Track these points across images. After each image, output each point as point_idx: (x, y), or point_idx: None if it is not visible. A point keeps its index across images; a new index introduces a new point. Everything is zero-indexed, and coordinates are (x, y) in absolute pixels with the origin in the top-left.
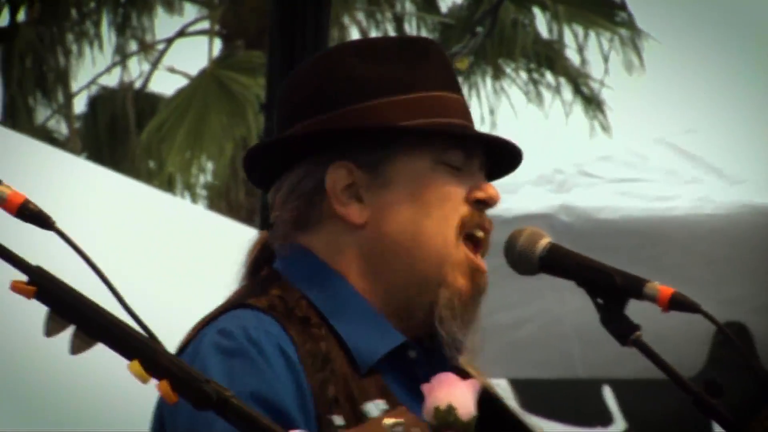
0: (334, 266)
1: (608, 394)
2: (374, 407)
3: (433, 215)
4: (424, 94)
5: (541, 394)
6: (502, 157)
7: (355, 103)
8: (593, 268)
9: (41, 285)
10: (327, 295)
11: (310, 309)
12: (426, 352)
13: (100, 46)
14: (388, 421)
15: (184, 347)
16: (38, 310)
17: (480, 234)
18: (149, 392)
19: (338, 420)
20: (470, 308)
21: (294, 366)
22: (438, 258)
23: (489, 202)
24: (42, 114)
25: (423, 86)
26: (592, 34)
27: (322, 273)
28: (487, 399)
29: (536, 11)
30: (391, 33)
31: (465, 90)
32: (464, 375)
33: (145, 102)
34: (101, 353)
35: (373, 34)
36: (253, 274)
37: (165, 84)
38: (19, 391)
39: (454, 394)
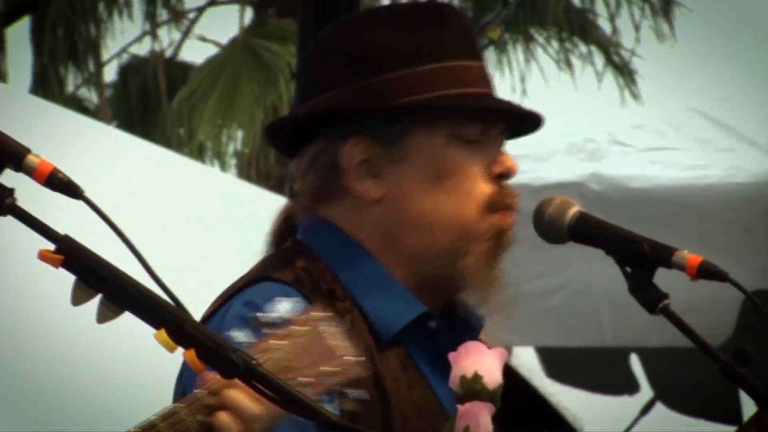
0: (357, 239)
1: (635, 363)
2: None
3: (451, 191)
4: (441, 65)
5: (568, 363)
6: (523, 118)
7: (370, 76)
8: (622, 237)
9: (69, 254)
10: (350, 267)
11: (334, 281)
12: (448, 324)
13: (131, 15)
14: None
15: (207, 318)
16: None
17: (506, 210)
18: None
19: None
20: (494, 266)
21: None
22: (459, 230)
23: (508, 174)
24: (73, 83)
25: (440, 56)
26: (623, 3)
27: (346, 245)
28: (507, 371)
29: None
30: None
31: (496, 59)
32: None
33: (176, 71)
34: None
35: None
36: (277, 244)
37: (196, 53)
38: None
39: (480, 362)
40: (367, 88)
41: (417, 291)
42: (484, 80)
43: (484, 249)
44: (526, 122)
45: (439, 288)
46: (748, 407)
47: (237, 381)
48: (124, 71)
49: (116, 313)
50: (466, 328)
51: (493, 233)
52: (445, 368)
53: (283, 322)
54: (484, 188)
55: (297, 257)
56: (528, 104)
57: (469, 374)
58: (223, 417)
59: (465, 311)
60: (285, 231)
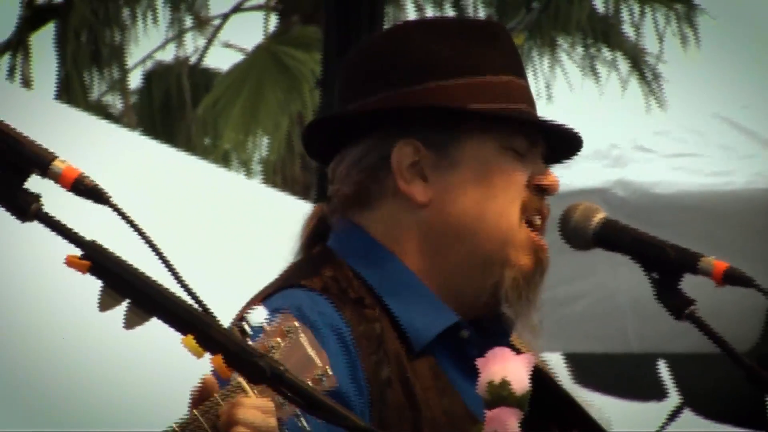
0: (389, 245)
1: (663, 369)
2: None
3: (498, 198)
4: (494, 79)
5: (595, 368)
6: (561, 143)
7: (426, 82)
8: (648, 243)
9: (95, 259)
10: (381, 274)
11: (363, 289)
12: (478, 333)
13: (155, 21)
14: None
15: None
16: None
17: (538, 221)
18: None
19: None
20: (534, 286)
21: (348, 348)
22: (502, 239)
23: (550, 190)
24: (97, 89)
25: (492, 70)
26: (647, 10)
27: (375, 252)
28: (538, 375)
29: None
30: (448, 9)
31: None
32: (516, 352)
33: (200, 77)
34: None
35: (429, 10)
36: (307, 249)
37: (220, 59)
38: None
39: (508, 368)
40: (426, 92)
41: (450, 299)
42: (530, 99)
43: (525, 264)
44: (562, 147)
45: (476, 300)
46: None
47: (243, 400)
48: (149, 78)
49: (144, 319)
50: (497, 334)
51: (531, 246)
52: (474, 375)
53: (263, 333)
54: (523, 194)
55: (325, 264)
56: (553, 110)
57: (497, 380)
58: None
59: (496, 316)
60: (316, 236)
